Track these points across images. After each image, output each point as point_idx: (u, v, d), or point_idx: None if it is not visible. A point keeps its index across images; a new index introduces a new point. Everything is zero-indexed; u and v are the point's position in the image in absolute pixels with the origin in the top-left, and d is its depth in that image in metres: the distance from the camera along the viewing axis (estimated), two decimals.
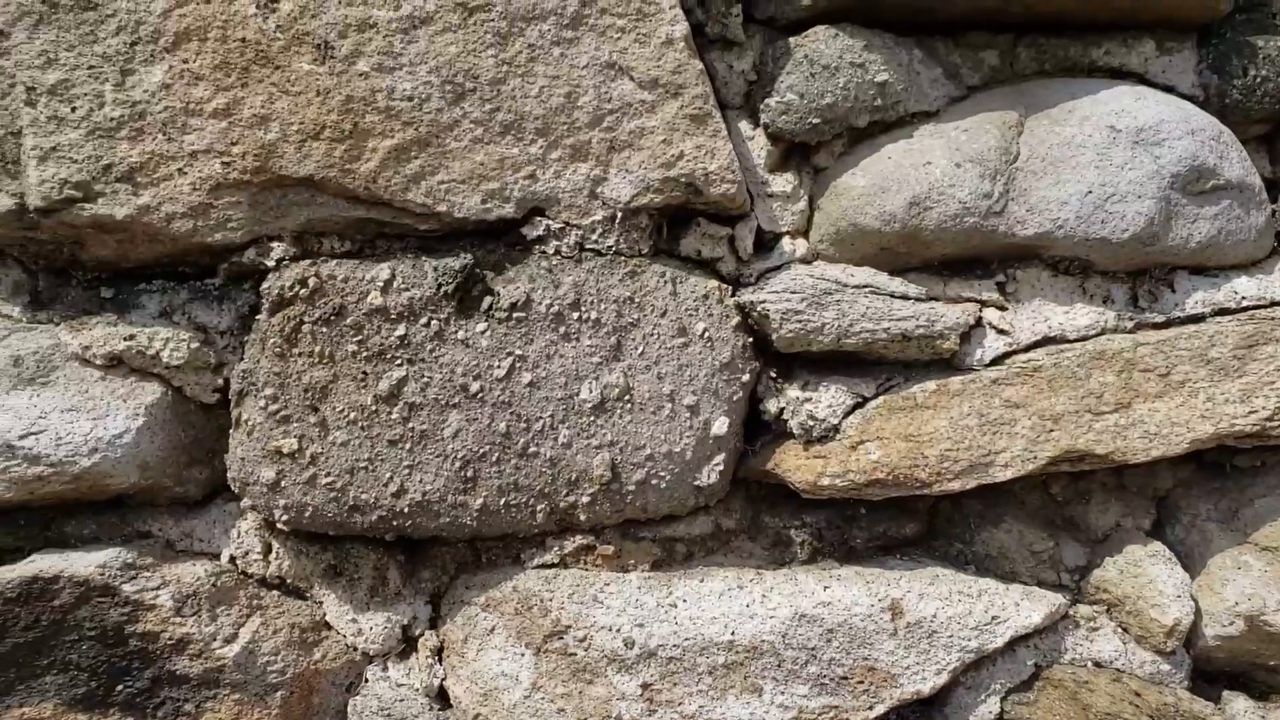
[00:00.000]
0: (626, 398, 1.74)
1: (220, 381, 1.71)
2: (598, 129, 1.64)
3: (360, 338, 1.62)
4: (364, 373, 1.63)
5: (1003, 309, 1.88)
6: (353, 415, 1.63)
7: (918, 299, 1.83)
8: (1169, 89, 1.93)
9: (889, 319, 1.80)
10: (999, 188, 1.80)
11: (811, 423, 1.83)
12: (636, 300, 1.70)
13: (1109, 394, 1.82)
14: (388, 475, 1.65)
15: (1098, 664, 1.86)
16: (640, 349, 1.72)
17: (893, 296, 1.83)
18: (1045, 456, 1.81)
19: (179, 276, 1.71)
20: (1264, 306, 1.88)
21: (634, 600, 1.76)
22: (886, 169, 1.81)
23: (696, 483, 1.79)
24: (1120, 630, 1.88)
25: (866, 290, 1.82)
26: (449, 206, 1.62)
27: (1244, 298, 1.88)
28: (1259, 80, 1.90)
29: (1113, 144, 1.81)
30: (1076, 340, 1.86)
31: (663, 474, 1.76)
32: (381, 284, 1.61)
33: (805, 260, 1.86)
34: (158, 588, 1.62)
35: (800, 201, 1.83)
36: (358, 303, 1.61)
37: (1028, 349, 1.86)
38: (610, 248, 1.70)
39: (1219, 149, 1.85)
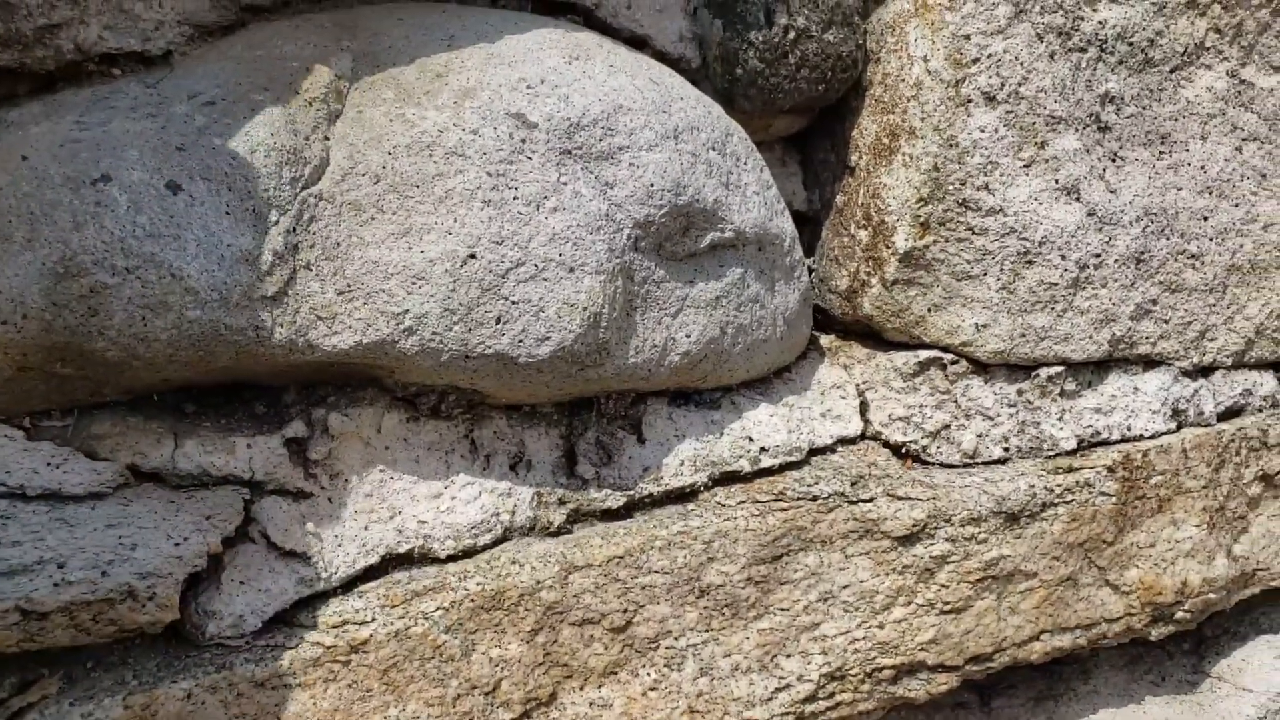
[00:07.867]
0: None
1: None
2: None
3: None
4: None
5: (301, 496, 0.86)
6: None
7: (89, 496, 0.76)
8: (639, 41, 0.99)
9: None
10: (276, 242, 0.77)
11: None
12: None
13: (511, 683, 0.86)
14: None
15: None
16: None
17: (9, 496, 0.74)
18: None
19: None
20: (795, 464, 1.01)
21: None
22: None
23: None
24: None
25: None
26: None
27: (764, 449, 1.01)
28: (794, 34, 1.02)
29: (522, 152, 0.84)
30: (453, 558, 0.89)
31: None
32: None
33: None
34: None
35: None
36: None
37: (350, 585, 0.86)
38: None
39: (725, 168, 0.94)
